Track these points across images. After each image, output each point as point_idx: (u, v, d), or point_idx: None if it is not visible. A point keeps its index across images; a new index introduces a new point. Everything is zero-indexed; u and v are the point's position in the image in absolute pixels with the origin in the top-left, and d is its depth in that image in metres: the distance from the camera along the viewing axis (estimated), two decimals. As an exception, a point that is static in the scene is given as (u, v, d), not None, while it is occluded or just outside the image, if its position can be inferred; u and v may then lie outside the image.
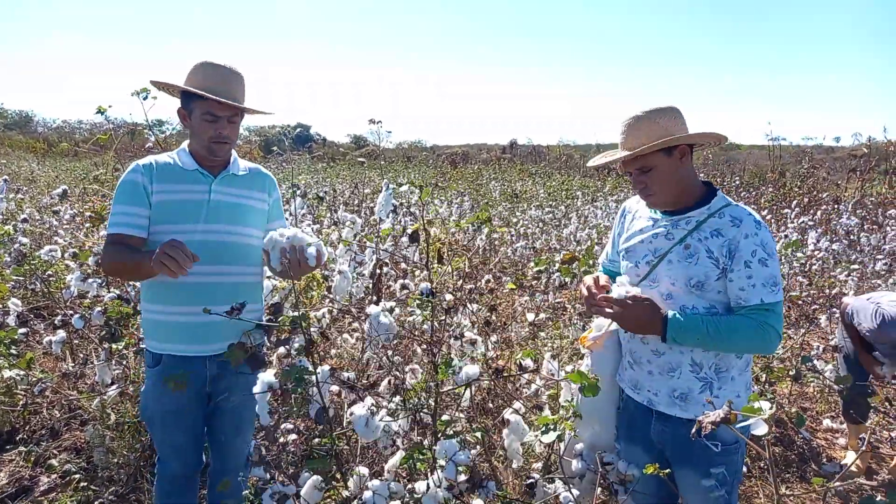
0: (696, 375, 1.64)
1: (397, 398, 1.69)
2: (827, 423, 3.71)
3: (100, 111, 2.33)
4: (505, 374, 1.78)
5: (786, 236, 6.61)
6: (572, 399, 1.85)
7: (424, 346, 2.96)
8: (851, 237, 7.52)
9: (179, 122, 1.95)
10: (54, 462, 2.76)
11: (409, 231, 1.73)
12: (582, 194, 11.88)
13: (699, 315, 1.59)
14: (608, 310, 1.63)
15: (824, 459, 3.33)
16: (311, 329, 1.76)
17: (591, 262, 3.55)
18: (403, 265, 4.52)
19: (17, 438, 2.99)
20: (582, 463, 1.71)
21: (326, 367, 1.55)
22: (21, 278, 4.14)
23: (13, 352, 2.79)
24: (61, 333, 3.14)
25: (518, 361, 1.83)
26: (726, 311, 1.62)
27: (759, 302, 1.54)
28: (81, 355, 3.51)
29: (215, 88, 1.79)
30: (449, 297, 1.93)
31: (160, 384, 1.86)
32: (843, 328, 3.24)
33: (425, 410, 1.70)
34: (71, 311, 3.46)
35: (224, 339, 1.85)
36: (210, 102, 1.80)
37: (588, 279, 1.76)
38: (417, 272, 4.19)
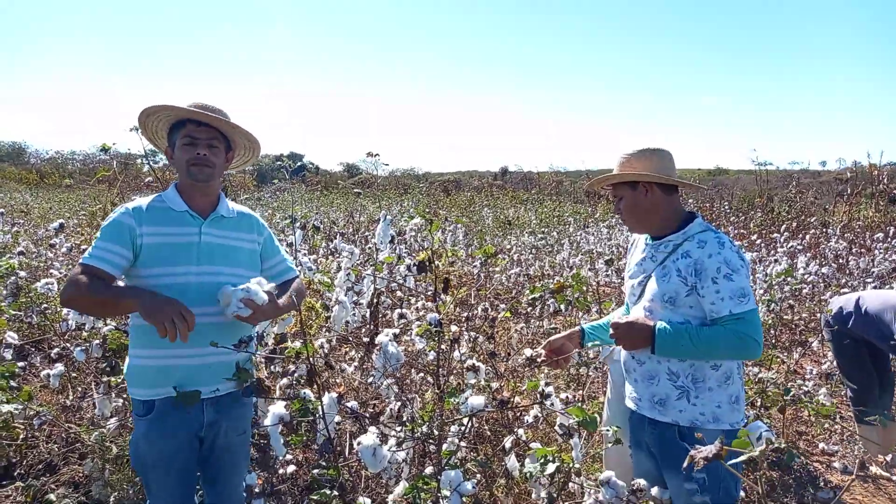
0: (673, 384, 1.78)
1: (402, 428, 1.72)
2: (822, 446, 3.73)
3: (104, 149, 2.38)
4: (508, 406, 1.81)
5: (775, 261, 6.69)
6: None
7: (423, 375, 2.98)
8: (840, 261, 7.63)
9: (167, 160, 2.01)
10: (52, 497, 2.73)
11: (417, 261, 1.77)
12: (574, 220, 12.00)
13: (683, 325, 1.74)
14: (611, 331, 1.83)
15: (821, 483, 3.35)
16: (314, 358, 1.79)
17: (584, 288, 3.60)
18: (399, 293, 4.55)
19: (15, 473, 2.96)
20: (609, 492, 1.69)
21: (334, 395, 1.57)
22: (18, 312, 4.13)
23: (13, 384, 2.78)
24: (59, 367, 3.13)
25: (530, 390, 1.87)
26: (700, 325, 1.76)
27: (728, 313, 1.68)
28: (80, 388, 3.50)
29: (194, 112, 1.85)
30: (455, 328, 1.96)
31: (153, 431, 1.82)
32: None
33: (430, 440, 1.72)
34: (68, 345, 3.46)
35: (219, 380, 1.87)
36: (189, 127, 1.87)
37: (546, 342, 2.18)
38: (413, 300, 4.22)
